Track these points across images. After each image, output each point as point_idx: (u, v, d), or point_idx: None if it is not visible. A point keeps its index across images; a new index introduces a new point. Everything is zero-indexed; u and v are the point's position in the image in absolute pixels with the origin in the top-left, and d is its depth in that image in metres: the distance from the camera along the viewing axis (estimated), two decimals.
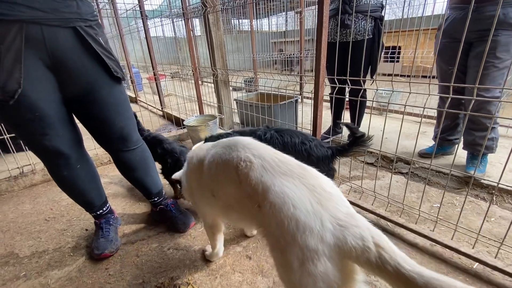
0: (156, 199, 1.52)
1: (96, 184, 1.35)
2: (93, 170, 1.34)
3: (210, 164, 0.90)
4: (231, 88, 4.89)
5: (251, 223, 0.83)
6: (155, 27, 5.30)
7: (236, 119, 3.24)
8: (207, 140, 1.55)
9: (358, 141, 1.26)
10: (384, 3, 2.23)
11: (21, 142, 2.08)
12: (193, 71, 2.75)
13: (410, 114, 3.07)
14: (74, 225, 1.61)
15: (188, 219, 1.52)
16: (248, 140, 0.87)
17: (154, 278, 1.20)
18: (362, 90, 2.21)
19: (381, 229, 0.62)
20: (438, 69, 2.01)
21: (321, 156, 1.32)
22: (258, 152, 0.79)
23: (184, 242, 1.41)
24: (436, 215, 1.29)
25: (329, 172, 1.34)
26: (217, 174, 0.87)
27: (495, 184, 1.10)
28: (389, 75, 4.93)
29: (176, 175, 1.19)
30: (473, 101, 1.10)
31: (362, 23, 2.17)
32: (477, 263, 1.15)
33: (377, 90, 1.38)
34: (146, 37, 3.23)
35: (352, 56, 1.49)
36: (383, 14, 2.21)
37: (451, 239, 1.24)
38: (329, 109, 2.82)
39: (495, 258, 1.12)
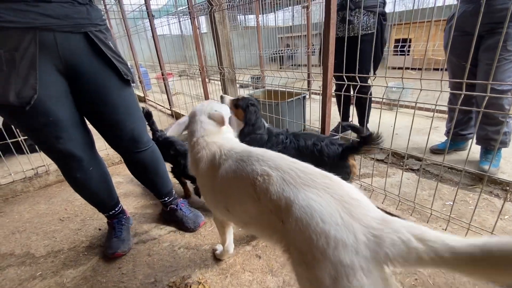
0: (166, 199, 1.54)
1: (108, 185, 1.38)
2: (105, 172, 1.36)
3: (222, 179, 0.86)
4: (238, 85, 4.89)
5: (272, 238, 0.78)
6: (161, 26, 5.35)
7: None
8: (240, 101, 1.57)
9: (366, 141, 1.24)
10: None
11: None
12: (200, 70, 2.76)
13: (421, 109, 3.00)
14: (88, 224, 1.65)
15: (198, 218, 1.54)
16: (261, 152, 0.84)
17: (165, 277, 1.22)
18: (367, 86, 2.19)
19: None
20: (448, 63, 1.96)
21: (332, 154, 1.33)
22: (275, 163, 0.75)
23: (195, 241, 1.43)
24: (449, 214, 1.26)
25: (345, 170, 1.33)
26: (232, 191, 0.84)
27: (510, 181, 1.06)
28: (399, 68, 4.83)
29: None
30: (486, 97, 1.06)
31: (365, 19, 2.15)
32: None
33: (386, 87, 1.36)
34: (153, 37, 3.25)
35: (355, 52, 1.46)
36: (385, 10, 2.19)
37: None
38: (336, 104, 2.79)
39: None
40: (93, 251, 1.43)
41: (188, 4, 2.48)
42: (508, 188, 1.59)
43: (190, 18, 2.51)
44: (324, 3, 1.34)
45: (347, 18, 2.13)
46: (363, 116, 2.56)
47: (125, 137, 1.27)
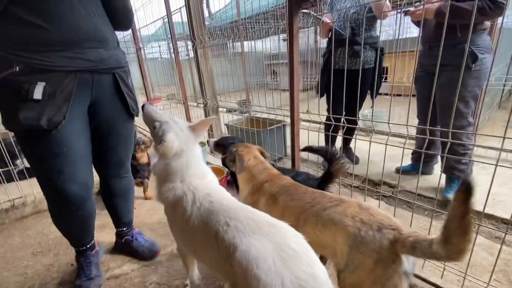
0: (124, 228, 1.59)
1: (89, 225, 1.38)
2: (92, 213, 1.35)
3: (193, 226, 0.91)
4: (224, 110, 5.01)
5: (227, 280, 0.84)
6: (152, 52, 5.49)
7: None
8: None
9: (330, 160, 1.28)
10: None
11: (12, 172, 2.16)
12: (183, 101, 2.87)
13: (394, 135, 3.16)
14: (61, 259, 1.64)
15: (154, 246, 1.60)
16: (230, 204, 0.91)
17: None
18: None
19: None
20: (416, 95, 2.16)
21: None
22: (235, 214, 0.83)
23: (167, 276, 1.44)
24: None
25: None
26: (199, 239, 0.90)
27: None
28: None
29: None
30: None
31: (369, 53, 2.35)
32: None
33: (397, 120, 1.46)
34: (140, 68, 3.39)
35: (358, 84, 1.53)
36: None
37: (421, 269, 1.28)
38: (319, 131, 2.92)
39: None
40: None
41: (172, 40, 2.63)
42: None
43: (174, 54, 2.65)
44: (288, 44, 1.47)
45: (358, 53, 2.24)
46: (347, 142, 2.71)
47: (113, 162, 1.40)
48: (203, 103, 2.75)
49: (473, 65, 1.69)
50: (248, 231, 0.75)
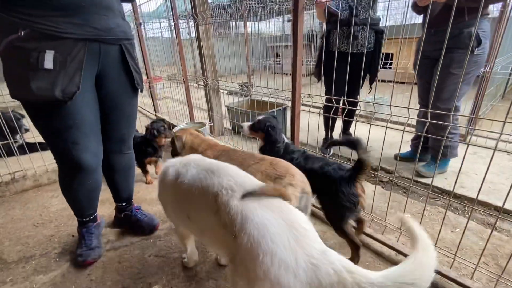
0: (124, 204, 1.62)
1: (95, 196, 1.44)
2: (99, 184, 1.40)
3: (189, 186, 0.89)
4: (226, 92, 4.95)
5: (222, 250, 0.83)
6: (153, 28, 5.33)
7: (227, 125, 3.31)
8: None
9: (362, 151, 1.19)
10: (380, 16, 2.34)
11: (12, 146, 2.17)
12: (183, 80, 2.83)
13: (395, 123, 3.15)
14: (62, 231, 1.68)
15: (153, 221, 1.63)
16: (232, 168, 0.88)
17: (133, 284, 1.28)
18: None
19: None
20: (417, 81, 2.16)
21: (338, 178, 1.26)
22: (240, 181, 0.80)
23: (166, 249, 1.49)
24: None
25: (350, 198, 1.22)
26: (194, 199, 0.88)
27: (445, 190, 1.17)
28: (381, 81, 5.00)
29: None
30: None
31: (368, 36, 2.25)
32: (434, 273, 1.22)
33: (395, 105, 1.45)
34: (140, 46, 3.31)
35: (357, 68, 1.51)
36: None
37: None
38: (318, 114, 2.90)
39: (450, 268, 1.20)
40: (65, 258, 1.46)
41: (173, 16, 2.56)
42: (448, 200, 1.73)
43: (175, 30, 2.58)
44: (292, 26, 1.44)
45: (355, 33, 2.17)
46: (347, 127, 2.70)
47: (116, 137, 1.40)
48: (204, 83, 2.71)
49: (476, 49, 1.70)
50: (261, 205, 0.73)
